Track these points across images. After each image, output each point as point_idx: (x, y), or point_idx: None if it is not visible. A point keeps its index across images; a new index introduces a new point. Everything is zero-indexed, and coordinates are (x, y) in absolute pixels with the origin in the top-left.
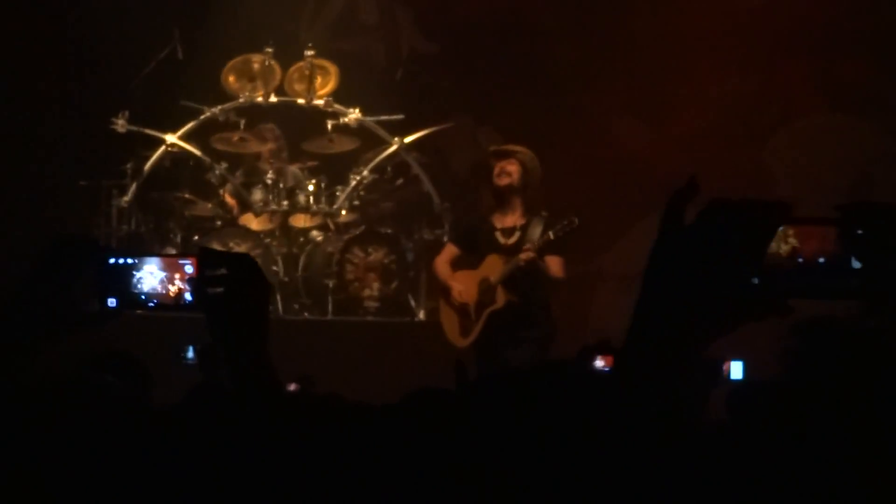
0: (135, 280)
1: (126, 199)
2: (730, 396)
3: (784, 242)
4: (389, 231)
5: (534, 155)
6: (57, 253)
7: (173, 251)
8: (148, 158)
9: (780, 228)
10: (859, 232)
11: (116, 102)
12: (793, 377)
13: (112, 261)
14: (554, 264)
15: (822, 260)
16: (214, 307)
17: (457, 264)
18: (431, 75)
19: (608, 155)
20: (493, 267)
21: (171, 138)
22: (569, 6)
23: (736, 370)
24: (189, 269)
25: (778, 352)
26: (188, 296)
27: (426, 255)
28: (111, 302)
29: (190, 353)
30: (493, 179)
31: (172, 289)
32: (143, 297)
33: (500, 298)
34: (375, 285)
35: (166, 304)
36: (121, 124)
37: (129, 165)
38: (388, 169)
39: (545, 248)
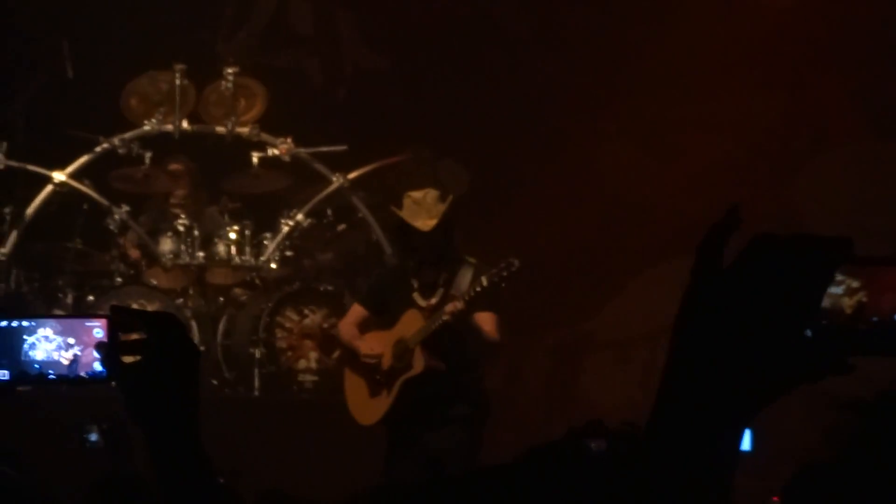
0: (28, 347)
1: (3, 251)
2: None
3: (848, 297)
4: (330, 288)
5: (451, 196)
6: None
7: (62, 314)
8: (31, 201)
9: (844, 278)
10: None
11: None
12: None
13: (1, 324)
14: (486, 322)
15: None
16: (132, 380)
17: (367, 328)
18: (381, 97)
19: (600, 194)
20: (411, 324)
21: (59, 176)
22: (552, 11)
23: (744, 440)
24: (98, 332)
25: (828, 429)
26: (98, 366)
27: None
28: (1, 375)
29: (93, 436)
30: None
31: (67, 356)
32: (38, 367)
33: (419, 363)
34: (313, 355)
35: (69, 377)
36: None
37: (7, 210)
38: (329, 212)
39: (475, 303)
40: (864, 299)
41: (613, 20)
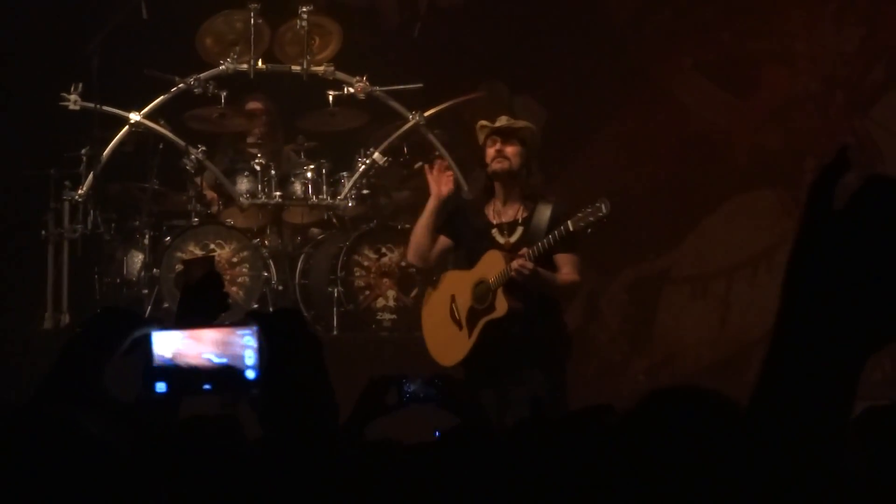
0: (183, 356)
1: (80, 192)
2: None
3: None
4: (407, 226)
5: (536, 130)
6: (93, 331)
7: (214, 323)
8: (107, 142)
9: None
10: None
11: (67, 73)
12: None
13: (157, 335)
14: (566, 264)
15: None
16: (277, 385)
17: (446, 264)
18: (455, 33)
19: (677, 129)
20: (493, 265)
21: (135, 116)
22: None
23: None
24: (250, 339)
25: None
26: (250, 374)
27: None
28: (159, 387)
29: None
30: (487, 163)
31: (220, 361)
32: (195, 377)
33: (501, 305)
34: (391, 293)
35: (225, 385)
36: (73, 100)
37: (83, 151)
38: (405, 150)
39: (556, 246)
40: None
41: None
